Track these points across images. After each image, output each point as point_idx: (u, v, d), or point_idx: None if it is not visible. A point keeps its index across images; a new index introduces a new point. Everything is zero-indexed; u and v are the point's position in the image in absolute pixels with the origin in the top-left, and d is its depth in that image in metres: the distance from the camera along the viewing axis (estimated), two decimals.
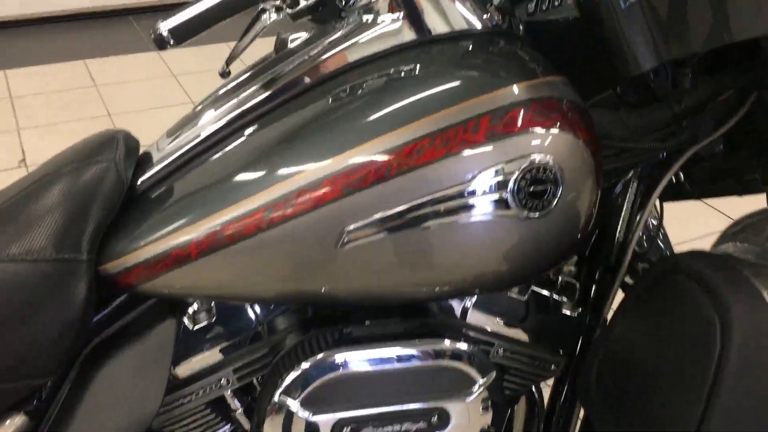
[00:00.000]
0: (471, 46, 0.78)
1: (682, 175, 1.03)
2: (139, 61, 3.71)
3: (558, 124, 0.72)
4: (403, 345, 0.77)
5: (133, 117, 3.14)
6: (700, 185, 1.02)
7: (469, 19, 0.80)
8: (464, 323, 0.86)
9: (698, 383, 0.69)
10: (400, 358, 0.76)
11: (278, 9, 0.88)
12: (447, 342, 0.78)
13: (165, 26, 0.87)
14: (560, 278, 0.95)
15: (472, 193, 0.70)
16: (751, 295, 0.70)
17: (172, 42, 0.89)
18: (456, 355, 0.78)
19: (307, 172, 0.69)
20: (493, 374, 0.80)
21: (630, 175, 0.96)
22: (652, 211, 1.10)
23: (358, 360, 0.75)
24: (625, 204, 0.96)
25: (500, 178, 0.70)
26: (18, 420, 0.74)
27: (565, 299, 0.93)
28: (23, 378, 0.72)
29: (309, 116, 0.73)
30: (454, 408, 0.79)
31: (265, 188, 0.70)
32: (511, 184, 0.70)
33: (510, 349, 0.89)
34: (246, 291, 0.75)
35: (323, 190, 0.69)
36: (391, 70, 0.74)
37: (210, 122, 0.78)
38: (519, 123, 0.70)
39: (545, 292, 0.91)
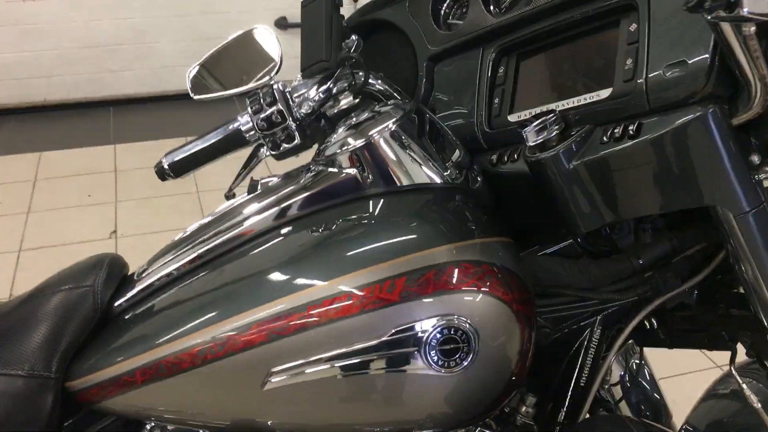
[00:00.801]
0: (418, 203, 0.84)
1: (655, 323, 1.02)
2: None
3: (476, 287, 0.76)
4: None
5: (218, 194, 3.36)
6: (674, 335, 1.01)
7: (428, 173, 0.86)
8: None
9: None
10: None
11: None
12: None
13: (166, 161, 0.99)
14: (518, 419, 0.97)
15: (386, 348, 0.75)
16: None
17: (172, 174, 1.01)
18: None
19: (238, 316, 0.77)
20: None
21: (594, 320, 0.98)
22: (633, 354, 1.10)
23: None
24: (585, 350, 0.97)
25: (412, 336, 0.75)
26: None
27: None
28: None
29: (246, 266, 0.82)
30: None
31: (202, 328, 0.78)
32: (421, 342, 0.75)
33: None
34: (185, 418, 0.83)
35: (251, 335, 0.76)
36: (327, 225, 0.81)
37: (176, 259, 0.88)
38: (433, 285, 0.75)
39: None
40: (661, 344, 1.03)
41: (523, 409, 0.96)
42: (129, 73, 4.46)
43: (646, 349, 1.18)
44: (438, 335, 0.75)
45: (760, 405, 0.90)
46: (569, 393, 0.99)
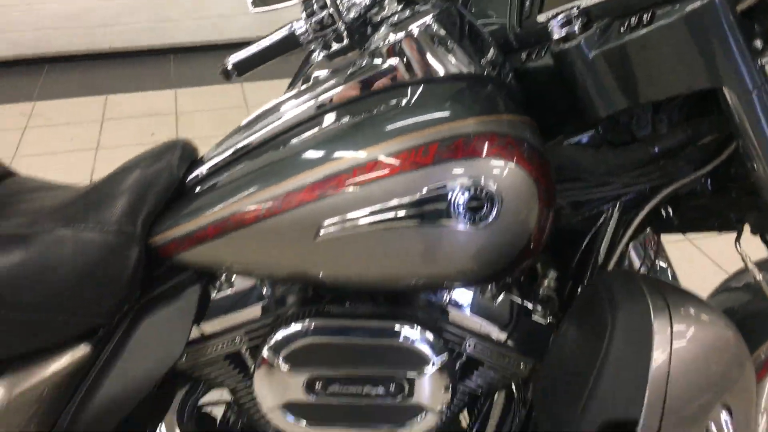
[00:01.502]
0: (452, 88, 0.95)
1: (670, 211, 1.12)
2: (285, 85, 4.14)
3: (500, 155, 0.87)
4: (366, 323, 0.95)
5: None
6: (687, 221, 1.11)
7: (462, 65, 0.97)
8: (439, 317, 1.02)
9: (587, 372, 0.82)
10: (363, 333, 0.95)
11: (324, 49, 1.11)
12: (403, 324, 0.95)
13: (230, 61, 1.12)
14: (541, 291, 1.08)
15: (420, 205, 0.87)
16: (639, 307, 0.83)
17: (235, 74, 1.13)
18: (410, 336, 0.95)
19: (294, 178, 0.90)
20: (445, 357, 0.96)
21: (612, 205, 1.08)
22: (652, 244, 1.20)
23: (328, 329, 0.95)
24: (606, 231, 1.07)
25: (443, 193, 0.87)
26: (84, 348, 1.00)
27: (539, 308, 1.05)
28: (89, 316, 0.98)
29: (300, 141, 0.94)
30: (406, 382, 0.96)
31: (263, 189, 0.92)
32: (450, 199, 0.87)
33: (481, 344, 1.03)
34: (250, 269, 0.97)
35: (305, 193, 0.90)
36: (369, 108, 0.93)
37: (238, 142, 1.01)
38: (462, 151, 0.87)
39: (517, 299, 1.05)
40: (675, 230, 1.12)
41: (546, 282, 1.08)
42: (188, 23, 4.61)
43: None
44: (465, 194, 0.86)
45: (761, 276, 0.99)
46: (588, 272, 1.10)
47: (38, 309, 0.95)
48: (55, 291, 0.95)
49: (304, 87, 1.04)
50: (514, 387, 1.12)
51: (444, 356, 0.96)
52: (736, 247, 1.02)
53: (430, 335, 0.96)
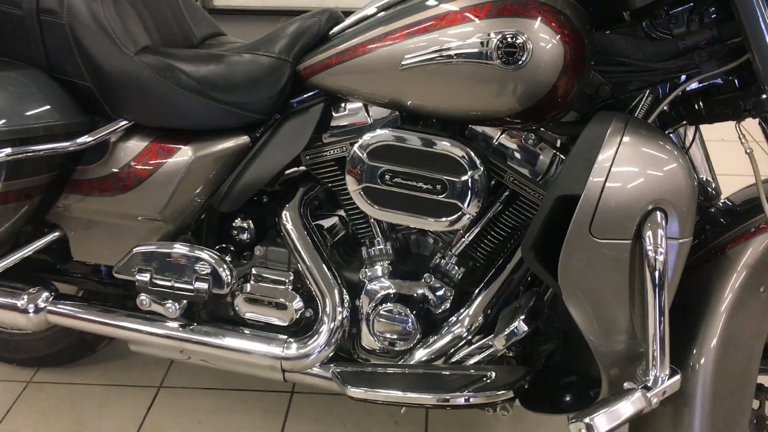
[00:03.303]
0: None
1: (701, 105, 1.35)
2: None
3: (536, 17, 1.20)
4: (429, 136, 1.32)
5: None
6: (713, 113, 1.33)
7: None
8: (488, 151, 1.36)
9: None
10: (425, 142, 1.32)
11: None
12: (456, 143, 1.31)
13: None
14: None
15: (470, 47, 1.22)
16: (603, 123, 1.13)
17: None
18: (458, 151, 1.30)
19: (391, 25, 1.30)
20: (481, 171, 1.30)
21: (646, 89, 1.33)
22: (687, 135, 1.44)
23: (400, 137, 1.34)
24: (638, 109, 1.34)
25: (490, 39, 1.21)
26: (245, 138, 1.49)
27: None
28: (252, 111, 1.45)
29: (399, 5, 1.33)
30: (448, 183, 1.31)
31: (370, 32, 1.32)
32: (493, 44, 1.20)
33: (518, 179, 1.36)
34: (356, 92, 1.38)
35: (396, 35, 1.29)
36: None
37: (367, 9, 1.41)
38: (508, 10, 1.20)
39: (554, 150, 1.35)
40: (704, 121, 1.35)
41: None
42: None
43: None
44: (505, 40, 1.20)
45: (752, 149, 1.20)
46: None
47: (222, 100, 1.44)
48: (246, 90, 1.44)
49: None
50: None
51: (480, 172, 1.30)
52: (736, 128, 1.25)
53: (473, 154, 1.30)
